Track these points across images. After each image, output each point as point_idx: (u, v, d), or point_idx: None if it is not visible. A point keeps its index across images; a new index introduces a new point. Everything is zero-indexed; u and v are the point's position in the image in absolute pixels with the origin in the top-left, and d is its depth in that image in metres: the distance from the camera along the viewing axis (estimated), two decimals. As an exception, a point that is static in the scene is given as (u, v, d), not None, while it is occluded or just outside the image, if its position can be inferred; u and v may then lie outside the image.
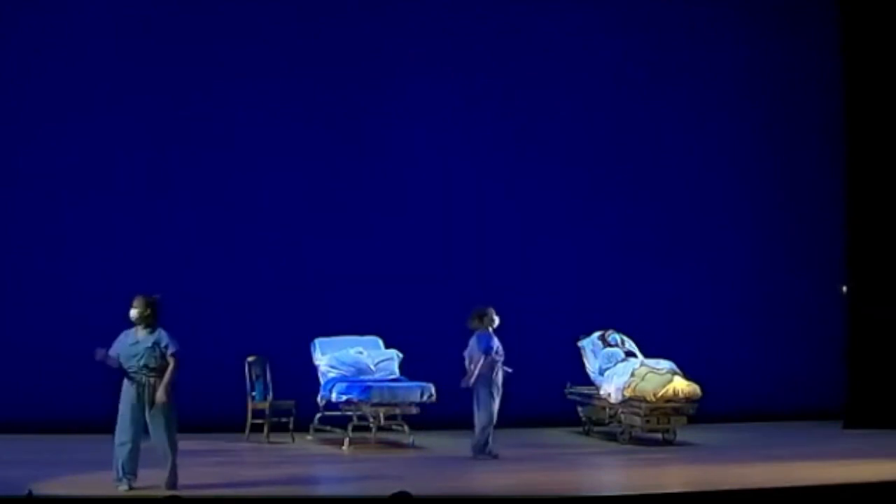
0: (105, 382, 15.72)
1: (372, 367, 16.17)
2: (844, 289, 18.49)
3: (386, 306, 16.99)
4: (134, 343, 12.30)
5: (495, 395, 14.99)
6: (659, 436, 16.29)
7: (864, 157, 18.48)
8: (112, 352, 12.29)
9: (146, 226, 16.75)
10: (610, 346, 16.75)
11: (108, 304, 16.29)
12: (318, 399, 15.98)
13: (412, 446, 15.69)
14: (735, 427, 17.50)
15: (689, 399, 16.04)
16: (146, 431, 12.27)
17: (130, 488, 12.10)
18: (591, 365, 16.77)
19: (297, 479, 13.72)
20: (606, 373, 16.52)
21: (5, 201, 16.47)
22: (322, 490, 13.79)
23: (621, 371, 16.35)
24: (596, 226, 18.30)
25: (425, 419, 15.81)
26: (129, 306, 12.38)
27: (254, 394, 16.09)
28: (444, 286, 17.46)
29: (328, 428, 16.10)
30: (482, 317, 15.15)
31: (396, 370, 16.20)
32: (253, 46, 17.15)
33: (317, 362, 16.13)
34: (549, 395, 17.13)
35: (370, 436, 15.77)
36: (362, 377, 15.95)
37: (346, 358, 16.13)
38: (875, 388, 18.07)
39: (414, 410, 15.76)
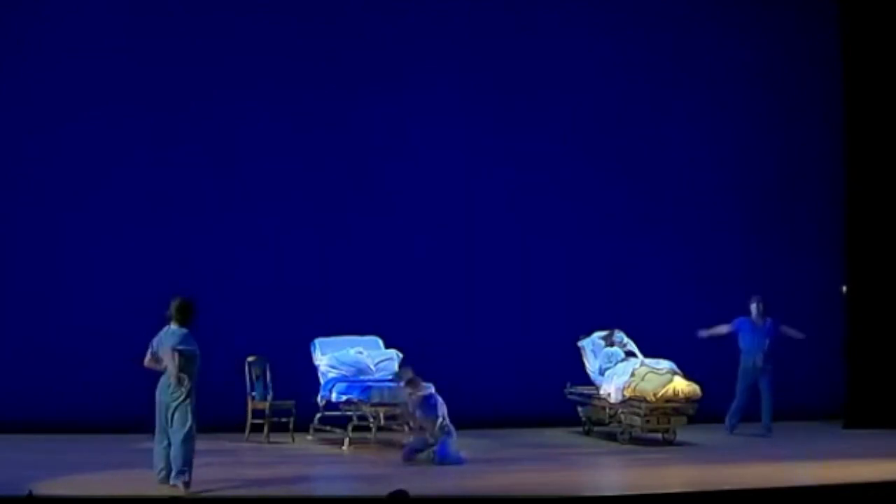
0: (105, 383, 15.87)
1: (372, 367, 16.17)
2: (844, 289, 18.50)
3: (386, 306, 17.00)
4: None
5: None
6: (659, 436, 16.30)
7: (864, 156, 18.51)
8: None
9: (146, 227, 16.73)
10: (614, 344, 16.77)
11: (109, 305, 16.42)
12: (318, 399, 15.98)
13: (412, 446, 15.69)
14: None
15: (689, 399, 16.06)
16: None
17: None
18: (591, 365, 16.77)
19: (297, 479, 13.71)
20: (606, 373, 16.53)
21: (6, 203, 16.47)
22: (322, 490, 13.79)
23: (621, 371, 16.36)
24: (596, 226, 18.30)
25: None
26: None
27: (254, 394, 16.09)
28: (444, 286, 17.48)
29: (328, 428, 16.10)
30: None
31: (396, 370, 16.19)
32: (253, 49, 17.14)
33: (317, 362, 16.13)
34: (549, 395, 17.14)
35: (370, 436, 15.77)
36: (362, 377, 15.95)
37: (346, 358, 16.13)
38: (875, 388, 18.09)
39: (414, 410, 15.77)
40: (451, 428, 14.50)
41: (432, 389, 14.79)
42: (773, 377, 17.03)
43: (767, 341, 17.13)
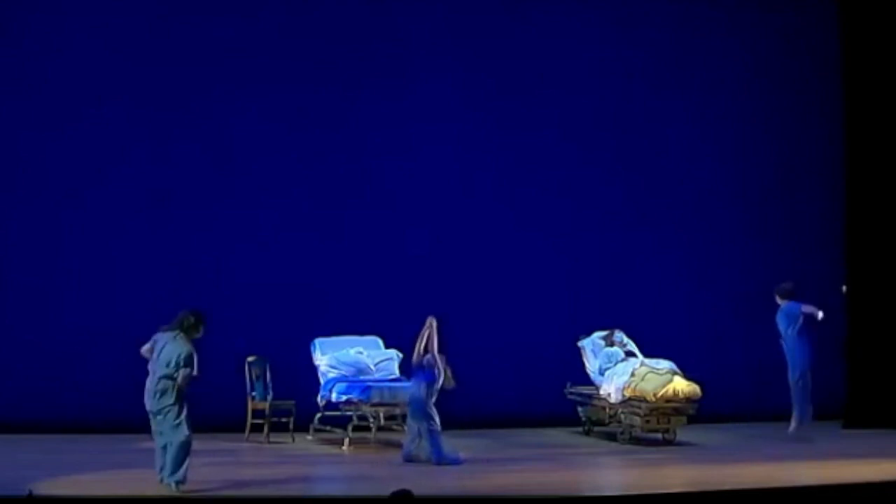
0: (105, 383, 15.86)
1: (372, 367, 16.17)
2: (844, 289, 18.49)
3: (386, 306, 16.99)
4: None
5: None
6: (659, 436, 16.30)
7: (864, 156, 18.50)
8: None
9: (145, 226, 16.74)
10: (614, 344, 16.77)
11: (108, 305, 16.41)
12: (318, 399, 15.98)
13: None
14: (735, 427, 17.50)
15: (689, 399, 16.06)
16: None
17: None
18: (591, 365, 16.78)
19: (297, 479, 13.71)
20: (606, 373, 16.53)
21: (4, 202, 16.46)
22: (322, 490, 13.79)
23: (621, 371, 16.37)
24: (596, 225, 18.30)
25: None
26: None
27: (254, 394, 16.09)
28: (444, 286, 17.46)
29: (328, 428, 16.10)
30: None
31: (396, 370, 16.19)
32: (252, 48, 17.14)
33: (317, 362, 16.13)
34: (549, 395, 17.14)
35: (370, 436, 15.77)
36: (362, 377, 15.95)
37: (346, 358, 16.13)
38: (875, 388, 18.09)
39: (414, 410, 15.75)
40: (437, 426, 14.42)
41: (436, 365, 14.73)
42: (794, 376, 16.67)
43: (784, 329, 16.84)
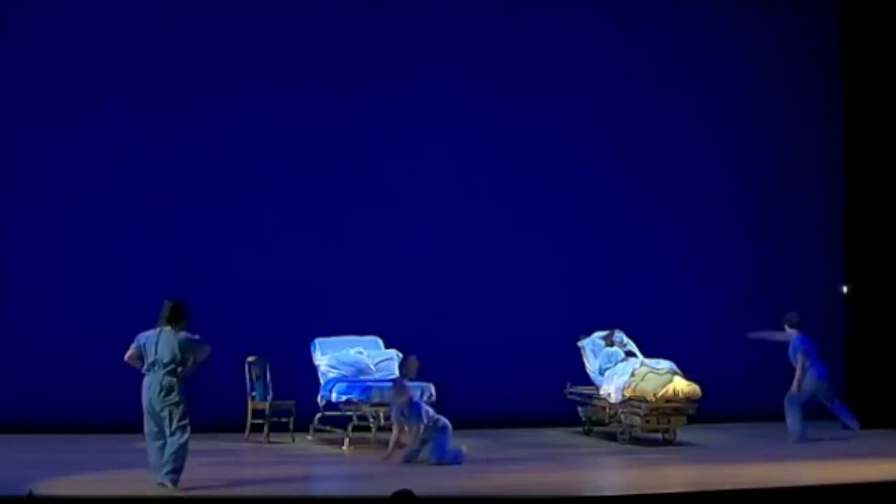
0: (105, 383, 15.86)
1: (372, 367, 16.17)
2: (844, 289, 18.49)
3: (386, 306, 17.00)
4: None
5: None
6: (659, 436, 16.30)
7: (864, 156, 18.53)
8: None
9: (145, 226, 16.74)
10: (614, 344, 16.77)
11: (108, 305, 16.41)
12: (318, 399, 15.98)
13: (412, 446, 15.67)
14: (735, 427, 17.50)
15: (689, 399, 16.06)
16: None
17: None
18: (591, 365, 16.78)
19: (297, 479, 13.72)
20: (606, 373, 16.53)
21: (4, 202, 16.46)
22: (322, 490, 13.79)
23: (621, 371, 16.37)
24: (596, 225, 18.31)
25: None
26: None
27: (254, 394, 16.09)
28: (445, 286, 17.48)
29: (328, 428, 16.10)
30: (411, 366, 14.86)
31: (396, 370, 16.18)
32: (252, 48, 17.15)
33: (317, 362, 16.13)
34: (549, 395, 17.14)
35: (370, 436, 15.76)
36: (362, 377, 15.95)
37: (346, 358, 16.13)
38: (875, 388, 18.09)
39: (414, 410, 15.76)
40: (445, 422, 14.41)
41: (416, 396, 14.77)
42: (792, 401, 16.59)
43: (793, 359, 16.72)
